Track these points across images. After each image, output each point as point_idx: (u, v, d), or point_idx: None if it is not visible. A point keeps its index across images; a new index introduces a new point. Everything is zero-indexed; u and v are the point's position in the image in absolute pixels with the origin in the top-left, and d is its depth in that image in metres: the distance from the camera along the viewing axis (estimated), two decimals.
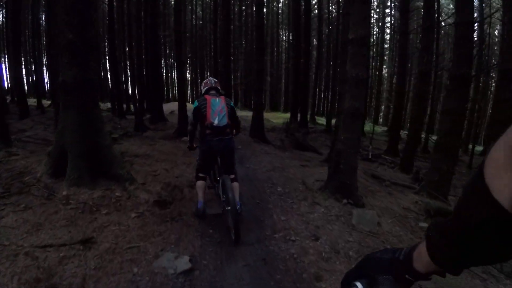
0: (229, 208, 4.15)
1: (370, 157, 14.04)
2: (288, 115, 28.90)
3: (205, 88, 4.67)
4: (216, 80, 4.87)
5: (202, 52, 38.87)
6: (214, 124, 4.32)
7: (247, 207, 5.93)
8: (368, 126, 26.79)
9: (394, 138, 16.12)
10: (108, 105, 24.17)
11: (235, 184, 4.81)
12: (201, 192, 4.87)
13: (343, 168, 5.83)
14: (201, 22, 42.17)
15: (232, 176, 4.82)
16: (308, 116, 22.92)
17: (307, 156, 12.04)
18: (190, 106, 6.11)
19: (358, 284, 0.69)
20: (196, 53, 42.39)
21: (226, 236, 4.65)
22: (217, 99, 4.44)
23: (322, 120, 28.25)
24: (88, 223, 4.48)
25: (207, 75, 38.52)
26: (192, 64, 45.21)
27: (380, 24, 37.18)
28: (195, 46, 42.36)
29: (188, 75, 48.00)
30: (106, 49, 23.06)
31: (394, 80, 37.22)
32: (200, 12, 41.08)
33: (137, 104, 14.72)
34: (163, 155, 9.39)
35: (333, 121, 23.90)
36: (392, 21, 36.98)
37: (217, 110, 4.34)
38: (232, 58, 34.38)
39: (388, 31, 38.80)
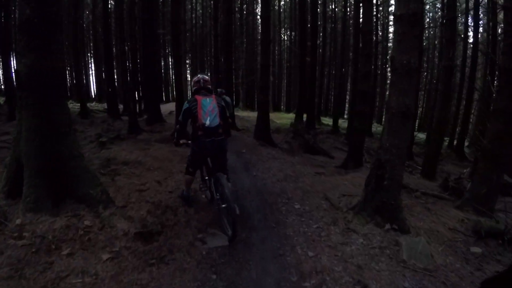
0: (224, 205, 4.07)
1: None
2: (291, 115, 27.60)
3: (195, 88, 4.52)
4: (206, 78, 4.62)
5: (202, 50, 37.50)
6: (206, 125, 4.21)
7: (259, 233, 4.56)
8: (373, 126, 25.67)
9: (408, 141, 14.66)
10: (105, 105, 22.76)
11: (227, 184, 4.36)
12: (188, 185, 4.92)
13: (387, 184, 4.40)
14: (201, 22, 40.81)
15: (225, 175, 4.53)
16: None
17: (319, 161, 10.63)
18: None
19: None
20: (196, 52, 41.11)
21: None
22: (208, 99, 4.31)
23: (327, 121, 26.86)
24: (39, 274, 3.06)
25: (208, 75, 37.18)
26: (192, 63, 43.95)
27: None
28: (195, 45, 41.04)
29: (188, 75, 46.90)
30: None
31: None
32: (200, 11, 39.69)
33: (131, 104, 13.25)
34: (157, 162, 8.00)
35: (340, 121, 23.15)
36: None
37: (208, 110, 4.22)
38: (233, 57, 33.23)
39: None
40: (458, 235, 5.07)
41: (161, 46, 26.49)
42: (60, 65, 4.33)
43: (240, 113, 26.43)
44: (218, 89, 13.26)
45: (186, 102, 4.46)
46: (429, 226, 5.07)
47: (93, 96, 40.84)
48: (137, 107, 20.08)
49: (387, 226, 4.44)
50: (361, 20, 10.37)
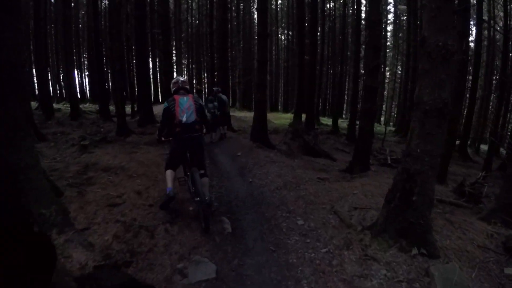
0: (198, 199, 4.21)
1: (389, 162, 11.73)
2: (289, 115, 26.64)
3: (174, 88, 4.74)
4: (184, 79, 4.86)
5: (198, 50, 36.44)
6: (183, 121, 4.39)
7: (255, 259, 3.69)
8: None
9: None
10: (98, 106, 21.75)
11: (205, 180, 4.79)
12: (170, 179, 4.70)
13: (417, 201, 3.47)
14: (197, 22, 39.78)
15: (202, 171, 4.75)
16: None
17: (321, 164, 9.70)
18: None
19: None
20: (192, 51, 40.14)
21: None
22: (185, 97, 4.51)
23: (326, 120, 25.91)
24: None
25: (204, 74, 36.40)
26: (189, 64, 43.05)
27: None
28: (192, 45, 40.06)
29: (186, 76, 46.11)
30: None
31: (399, 75, 35.26)
32: (196, 9, 38.62)
33: (119, 105, 12.30)
34: (142, 167, 7.10)
35: (340, 121, 22.27)
36: None
37: (185, 107, 4.41)
38: (229, 55, 32.32)
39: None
40: (489, 254, 4.18)
41: (156, 46, 25.56)
42: (13, 57, 3.42)
43: (237, 113, 25.50)
44: (214, 88, 12.39)
45: (166, 102, 4.64)
46: (457, 245, 4.16)
47: (88, 97, 39.83)
48: (132, 108, 19.25)
49: (414, 251, 3.52)
50: (364, 9, 9.42)
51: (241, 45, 33.24)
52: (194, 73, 40.66)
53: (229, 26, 30.49)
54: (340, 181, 7.33)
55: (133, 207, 4.67)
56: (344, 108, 37.07)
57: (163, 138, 4.85)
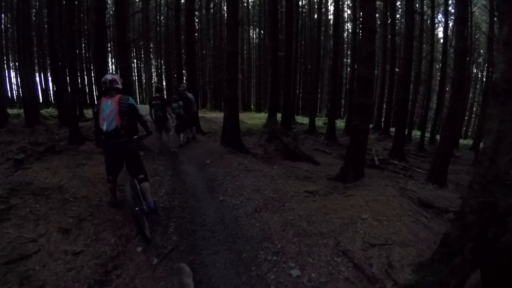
0: (137, 208, 3.80)
1: (377, 163, 10.36)
2: (262, 114, 25.16)
3: (103, 89, 4.22)
4: (112, 77, 4.27)
5: (167, 48, 34.14)
6: (104, 130, 3.96)
7: None
8: (340, 123, 23.59)
9: (399, 138, 12.52)
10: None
11: (144, 185, 4.37)
12: (111, 193, 4.62)
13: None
14: (166, 20, 37.64)
15: (141, 176, 4.38)
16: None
17: (304, 170, 8.17)
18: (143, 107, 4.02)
19: None
20: (160, 49, 37.87)
21: None
22: (109, 101, 4.02)
23: (301, 119, 24.47)
24: None
25: (174, 72, 34.36)
26: (158, 63, 40.83)
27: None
28: (160, 44, 37.83)
29: (155, 77, 43.92)
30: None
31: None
32: (165, 6, 36.34)
33: (71, 108, 10.40)
34: (85, 187, 5.55)
35: (320, 121, 20.95)
36: None
37: (106, 114, 3.94)
38: (199, 54, 30.47)
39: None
40: None
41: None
42: None
43: (207, 114, 23.75)
44: (181, 84, 10.69)
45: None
46: None
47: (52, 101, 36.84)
48: (93, 111, 17.16)
49: None
50: None
51: (211, 43, 31.42)
52: (163, 72, 38.50)
53: (196, 20, 28.87)
54: (332, 193, 5.82)
55: (49, 259, 2.98)
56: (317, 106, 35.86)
57: (101, 143, 4.27)
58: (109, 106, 3.98)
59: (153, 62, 43.85)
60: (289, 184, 6.28)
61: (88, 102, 26.58)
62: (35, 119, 15.29)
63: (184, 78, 18.70)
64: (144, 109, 6.12)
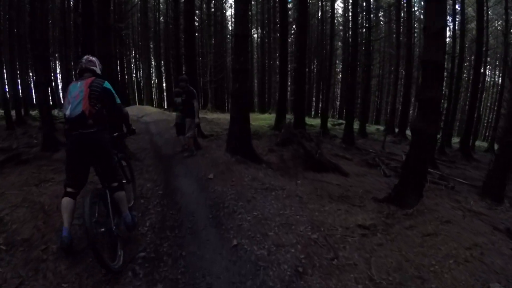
0: (102, 229, 2.91)
1: (436, 179, 8.40)
2: (267, 115, 23.06)
3: (77, 70, 3.29)
4: (91, 58, 3.32)
5: (166, 43, 31.97)
6: (67, 116, 2.95)
7: None
8: (356, 125, 21.53)
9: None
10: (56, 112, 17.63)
11: (118, 195, 3.22)
12: (66, 213, 2.95)
13: None
14: (163, 20, 35.76)
15: (115, 184, 3.21)
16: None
17: (336, 186, 6.25)
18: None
19: None
20: (159, 47, 35.85)
21: None
22: (79, 82, 3.06)
23: (310, 121, 22.36)
24: None
25: (172, 69, 32.42)
26: (157, 63, 38.83)
27: None
28: (159, 39, 35.78)
29: (154, 77, 41.94)
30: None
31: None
32: (164, 5, 34.41)
33: (44, 108, 8.52)
34: (34, 220, 3.71)
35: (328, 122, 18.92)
36: None
37: (72, 96, 2.96)
38: (200, 51, 28.41)
39: None
40: None
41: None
42: None
43: (208, 115, 21.63)
44: (182, 77, 8.62)
45: None
46: None
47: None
48: None
49: None
50: None
51: (213, 41, 29.46)
52: (163, 73, 36.55)
53: (197, 19, 26.95)
54: (393, 224, 3.90)
55: None
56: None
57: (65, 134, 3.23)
58: (78, 88, 3.03)
59: (153, 62, 41.92)
60: (329, 212, 4.37)
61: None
62: (21, 121, 13.33)
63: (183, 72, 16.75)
64: (152, 112, 4.50)
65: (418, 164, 4.76)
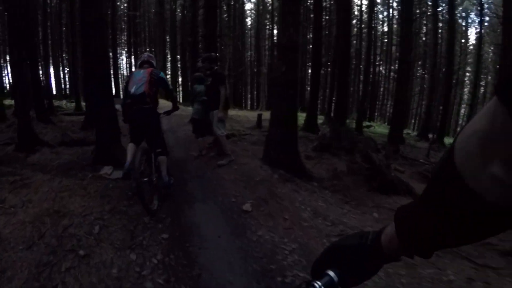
0: (146, 179, 3.65)
1: None
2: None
3: (138, 62, 4.37)
4: (150, 54, 4.45)
5: (182, 37, 29.82)
6: (131, 93, 3.88)
7: None
8: (380, 128, 19.20)
9: None
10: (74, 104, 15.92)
11: (161, 158, 3.99)
12: (130, 153, 3.94)
13: None
14: (180, 12, 33.71)
15: (159, 149, 4.01)
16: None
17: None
18: None
19: (331, 272, 0.60)
20: (175, 40, 33.87)
21: None
22: (141, 70, 4.02)
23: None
24: None
25: (188, 59, 30.52)
26: (173, 55, 36.83)
27: None
28: (175, 33, 33.81)
29: (169, 70, 39.99)
30: None
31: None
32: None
33: (19, 99, 6.69)
34: None
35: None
36: None
37: (137, 79, 3.92)
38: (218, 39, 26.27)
39: None
40: None
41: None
42: None
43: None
44: (205, 55, 6.30)
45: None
46: None
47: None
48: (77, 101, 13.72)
49: None
50: None
51: (231, 31, 27.41)
52: (179, 68, 34.61)
53: None
54: None
55: None
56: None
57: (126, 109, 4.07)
58: (141, 74, 3.94)
59: (169, 56, 39.84)
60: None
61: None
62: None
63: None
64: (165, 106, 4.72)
65: None
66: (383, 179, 5.14)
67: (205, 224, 3.31)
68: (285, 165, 4.79)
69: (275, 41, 24.78)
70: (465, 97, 30.12)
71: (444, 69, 20.05)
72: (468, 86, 30.13)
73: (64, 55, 29.17)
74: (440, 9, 20.25)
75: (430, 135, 18.12)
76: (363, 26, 24.19)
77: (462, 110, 31.63)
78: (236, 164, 5.17)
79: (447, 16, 18.92)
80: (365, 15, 22.44)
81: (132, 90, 3.80)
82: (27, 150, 5.91)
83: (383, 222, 3.71)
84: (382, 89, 30.01)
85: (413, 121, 30.00)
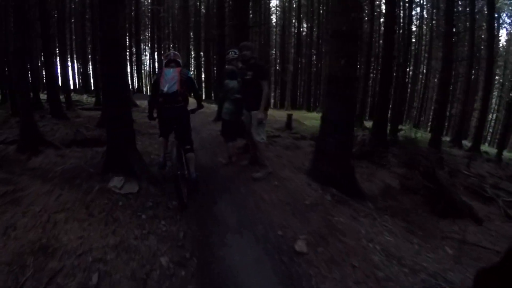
0: (178, 173, 3.66)
1: None
2: (315, 114, 19.59)
3: (165, 61, 4.35)
4: (176, 53, 4.43)
5: (207, 33, 29.05)
6: (164, 91, 3.96)
7: None
8: (405, 130, 17.79)
9: None
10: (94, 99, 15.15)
11: (190, 155, 4.11)
12: (162, 147, 4.46)
13: None
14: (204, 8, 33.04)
15: (188, 146, 4.14)
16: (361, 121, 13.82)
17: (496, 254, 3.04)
18: None
19: None
20: (200, 37, 33.22)
21: None
22: (171, 69, 4.08)
23: (367, 124, 18.56)
24: None
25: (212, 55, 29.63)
26: (197, 52, 36.24)
27: None
28: (199, 29, 33.20)
29: (193, 67, 39.48)
30: None
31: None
32: None
33: (18, 93, 6.05)
34: None
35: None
36: None
37: (169, 78, 3.99)
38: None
39: None
40: None
41: None
42: None
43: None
44: (242, 43, 5.22)
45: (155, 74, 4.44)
46: None
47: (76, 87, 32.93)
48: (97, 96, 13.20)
49: None
50: None
51: (257, 29, 26.54)
52: (202, 65, 33.95)
53: None
54: None
55: None
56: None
57: (154, 115, 4.33)
58: (172, 73, 4.00)
59: (192, 52, 39.24)
60: None
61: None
62: (38, 104, 10.88)
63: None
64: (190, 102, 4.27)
65: None
66: (449, 201, 4.14)
67: (246, 271, 2.40)
68: (337, 182, 3.84)
69: (328, 28, 23.49)
70: (493, 101, 28.38)
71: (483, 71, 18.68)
72: (497, 90, 28.31)
73: (88, 50, 29.00)
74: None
75: (464, 141, 16.82)
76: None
77: (489, 115, 29.85)
78: (276, 178, 4.25)
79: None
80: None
81: (165, 89, 3.91)
82: (29, 151, 5.19)
83: (463, 263, 2.80)
84: (409, 90, 28.56)
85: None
